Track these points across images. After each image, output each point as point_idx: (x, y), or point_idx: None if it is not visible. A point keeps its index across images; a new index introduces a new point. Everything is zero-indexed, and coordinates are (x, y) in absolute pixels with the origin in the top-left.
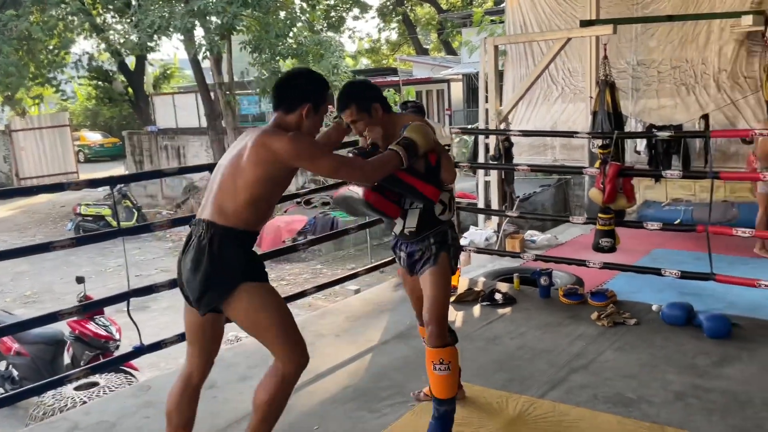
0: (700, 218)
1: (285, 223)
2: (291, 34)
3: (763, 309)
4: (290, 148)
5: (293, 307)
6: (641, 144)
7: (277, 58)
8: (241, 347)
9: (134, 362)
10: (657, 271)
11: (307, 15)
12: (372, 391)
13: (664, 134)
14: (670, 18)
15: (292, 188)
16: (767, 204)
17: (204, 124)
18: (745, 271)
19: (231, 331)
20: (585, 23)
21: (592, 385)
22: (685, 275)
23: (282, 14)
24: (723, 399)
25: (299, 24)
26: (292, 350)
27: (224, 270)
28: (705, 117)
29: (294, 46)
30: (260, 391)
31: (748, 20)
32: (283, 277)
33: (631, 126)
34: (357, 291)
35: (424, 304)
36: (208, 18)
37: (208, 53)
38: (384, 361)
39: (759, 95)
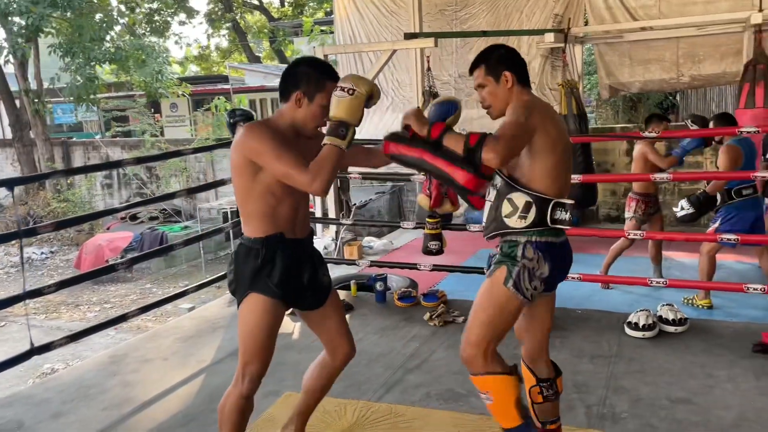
0: None
1: (107, 241)
2: (108, 38)
3: (572, 299)
4: (242, 141)
5: (119, 332)
6: None
7: (93, 63)
8: (54, 381)
9: None
10: (482, 270)
11: (126, 18)
12: (204, 414)
13: None
14: (485, 33)
15: (115, 202)
16: None
17: (9, 135)
18: None
19: (46, 363)
20: (409, 36)
21: (426, 384)
22: None
23: (98, 16)
24: None
25: (118, 27)
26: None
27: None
28: None
29: (112, 50)
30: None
31: (550, 38)
32: (107, 300)
33: None
34: (191, 309)
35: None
36: (10, 19)
37: (11, 57)
38: (217, 382)
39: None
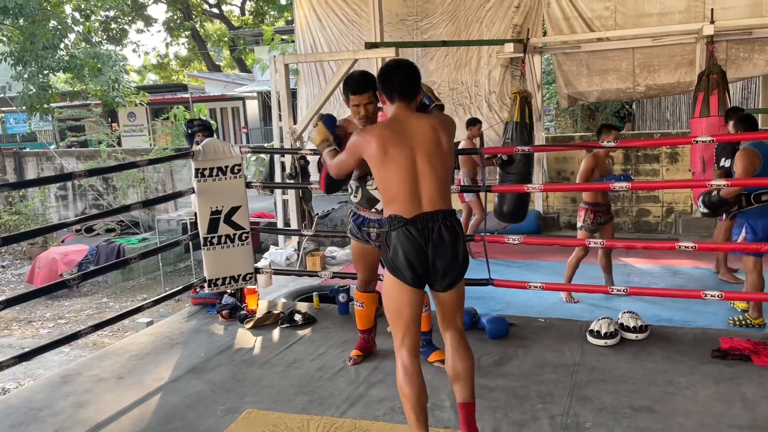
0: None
1: (61, 254)
2: (62, 46)
3: (534, 307)
4: (454, 130)
5: (74, 348)
6: None
7: (46, 71)
8: (2, 404)
9: None
10: None
11: (81, 26)
12: None
13: None
14: (444, 43)
15: (70, 214)
16: (481, 209)
17: None
18: (518, 274)
19: None
20: (370, 45)
21: (390, 398)
22: (467, 282)
23: (52, 24)
24: (504, 396)
25: (72, 35)
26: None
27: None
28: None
29: (66, 58)
30: (468, 363)
31: (509, 48)
32: (61, 315)
33: None
34: (149, 323)
35: None
36: None
37: None
38: (174, 400)
39: None
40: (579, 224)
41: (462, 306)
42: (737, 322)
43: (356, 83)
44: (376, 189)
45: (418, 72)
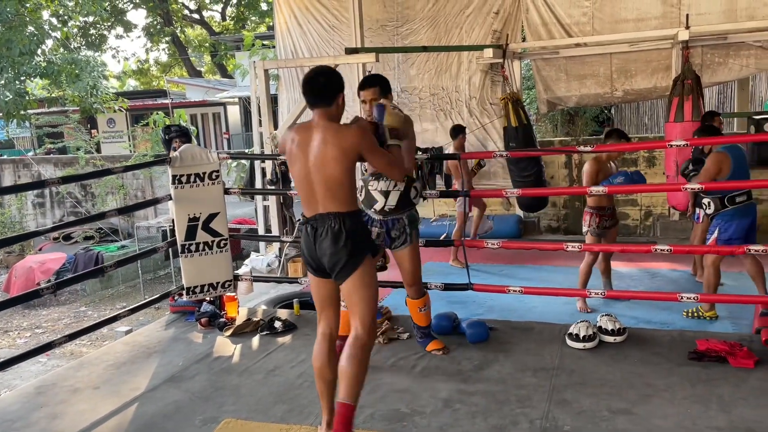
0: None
1: (38, 263)
2: (39, 52)
3: (514, 311)
4: (361, 141)
5: (51, 358)
6: None
7: (23, 77)
8: None
9: None
10: (425, 285)
11: (59, 32)
12: None
13: (422, 156)
14: (425, 49)
15: (47, 222)
16: (463, 220)
17: None
18: (498, 279)
19: None
20: (350, 51)
21: (369, 405)
22: (447, 287)
23: (29, 29)
24: (484, 401)
25: (50, 41)
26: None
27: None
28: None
29: (43, 64)
30: (347, 363)
31: (489, 53)
32: (39, 325)
33: None
34: (128, 332)
35: (408, 272)
36: None
37: None
38: (152, 410)
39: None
40: (585, 229)
41: (360, 311)
42: (690, 314)
43: (363, 80)
44: (376, 189)
45: (335, 80)
